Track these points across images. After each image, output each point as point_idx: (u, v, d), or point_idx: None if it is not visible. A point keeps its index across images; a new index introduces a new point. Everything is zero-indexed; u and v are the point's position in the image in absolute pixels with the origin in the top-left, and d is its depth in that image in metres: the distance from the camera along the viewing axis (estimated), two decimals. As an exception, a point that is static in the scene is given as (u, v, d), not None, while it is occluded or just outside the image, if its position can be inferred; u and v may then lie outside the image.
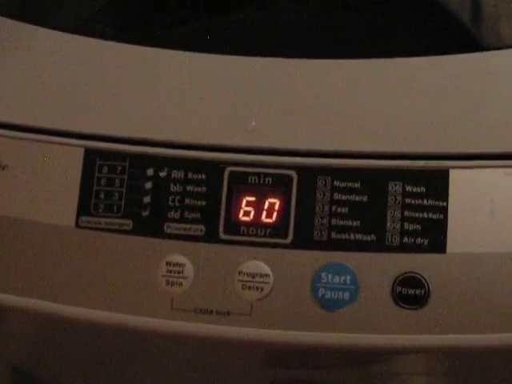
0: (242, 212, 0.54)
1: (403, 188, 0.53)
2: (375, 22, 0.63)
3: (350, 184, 0.54)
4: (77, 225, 0.55)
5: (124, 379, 0.69)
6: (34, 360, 0.70)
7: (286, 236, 0.54)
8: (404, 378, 0.64)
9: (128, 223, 0.55)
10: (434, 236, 0.53)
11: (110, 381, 0.69)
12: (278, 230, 0.54)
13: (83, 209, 0.56)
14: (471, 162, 0.54)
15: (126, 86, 0.58)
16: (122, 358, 0.64)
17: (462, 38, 0.63)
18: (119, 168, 0.56)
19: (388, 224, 0.53)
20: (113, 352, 0.63)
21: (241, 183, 0.55)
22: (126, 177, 0.56)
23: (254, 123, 0.55)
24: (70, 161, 0.56)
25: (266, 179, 0.55)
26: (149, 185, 0.55)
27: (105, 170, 0.56)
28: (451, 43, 0.62)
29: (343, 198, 0.54)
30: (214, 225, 0.54)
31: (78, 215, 0.56)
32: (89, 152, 0.56)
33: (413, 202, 0.53)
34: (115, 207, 0.55)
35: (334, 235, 0.53)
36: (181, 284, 0.54)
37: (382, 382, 0.64)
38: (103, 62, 0.60)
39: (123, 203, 0.55)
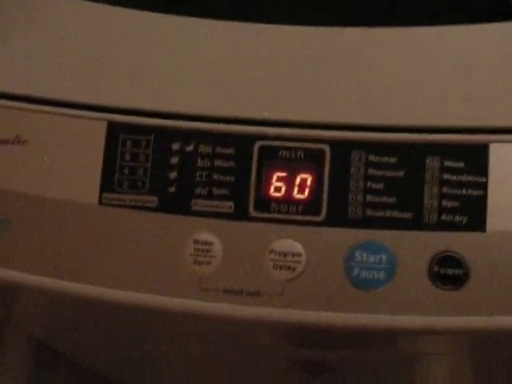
0: (272, 188, 0.52)
1: (441, 163, 0.51)
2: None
3: (386, 159, 0.51)
4: (100, 202, 0.53)
5: (146, 358, 0.68)
6: (56, 336, 0.69)
7: (318, 213, 0.52)
8: (431, 358, 0.63)
9: (153, 200, 0.53)
10: (474, 213, 0.50)
11: (132, 358, 0.68)
12: (310, 206, 0.52)
13: (106, 185, 0.54)
14: (512, 136, 0.52)
15: (151, 58, 0.56)
16: (146, 337, 0.63)
17: (498, 5, 0.60)
18: (144, 142, 0.54)
19: (425, 201, 0.51)
20: (137, 332, 0.61)
21: (271, 158, 0.52)
22: (150, 151, 0.53)
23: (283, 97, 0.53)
24: (92, 135, 0.54)
25: (298, 154, 0.52)
26: (175, 160, 0.53)
27: (129, 144, 0.54)
28: (488, 11, 0.59)
29: (378, 173, 0.51)
30: (244, 201, 0.52)
31: (101, 192, 0.54)
32: (112, 126, 0.54)
33: (451, 177, 0.51)
34: (140, 183, 0.53)
35: (368, 212, 0.51)
36: (209, 263, 0.52)
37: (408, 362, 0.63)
38: (126, 32, 0.58)
39: (148, 179, 0.53)
